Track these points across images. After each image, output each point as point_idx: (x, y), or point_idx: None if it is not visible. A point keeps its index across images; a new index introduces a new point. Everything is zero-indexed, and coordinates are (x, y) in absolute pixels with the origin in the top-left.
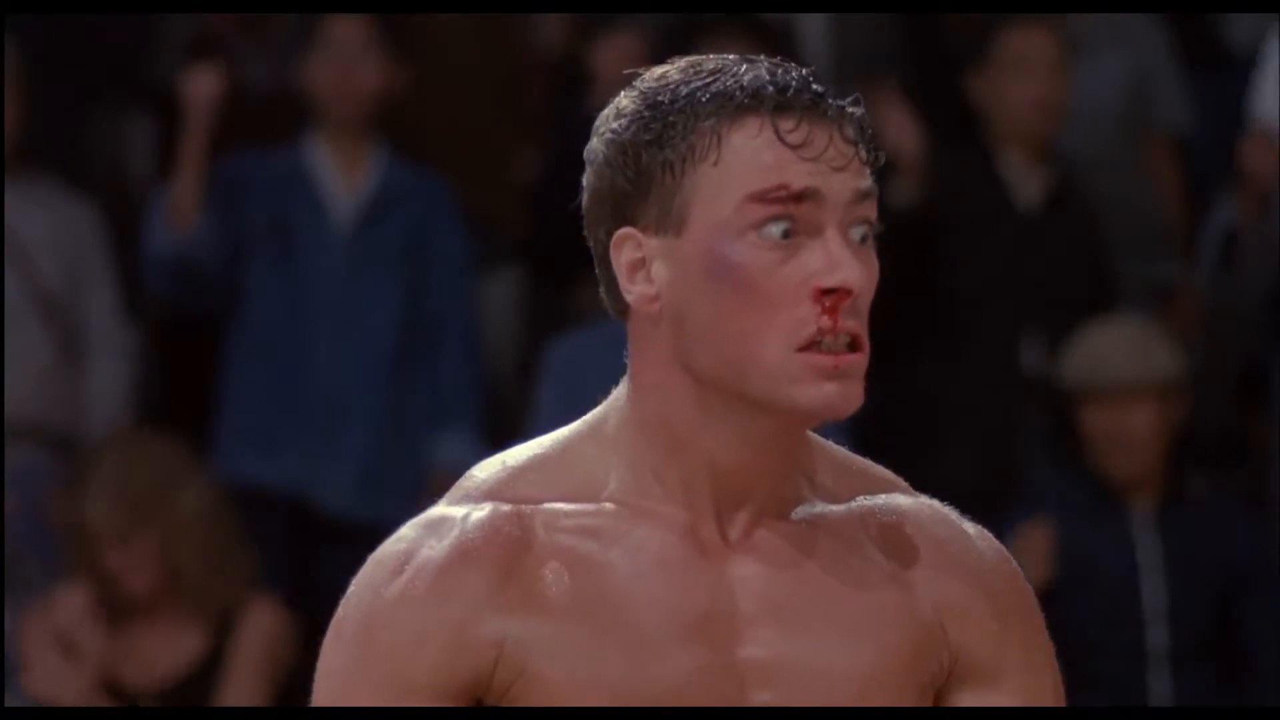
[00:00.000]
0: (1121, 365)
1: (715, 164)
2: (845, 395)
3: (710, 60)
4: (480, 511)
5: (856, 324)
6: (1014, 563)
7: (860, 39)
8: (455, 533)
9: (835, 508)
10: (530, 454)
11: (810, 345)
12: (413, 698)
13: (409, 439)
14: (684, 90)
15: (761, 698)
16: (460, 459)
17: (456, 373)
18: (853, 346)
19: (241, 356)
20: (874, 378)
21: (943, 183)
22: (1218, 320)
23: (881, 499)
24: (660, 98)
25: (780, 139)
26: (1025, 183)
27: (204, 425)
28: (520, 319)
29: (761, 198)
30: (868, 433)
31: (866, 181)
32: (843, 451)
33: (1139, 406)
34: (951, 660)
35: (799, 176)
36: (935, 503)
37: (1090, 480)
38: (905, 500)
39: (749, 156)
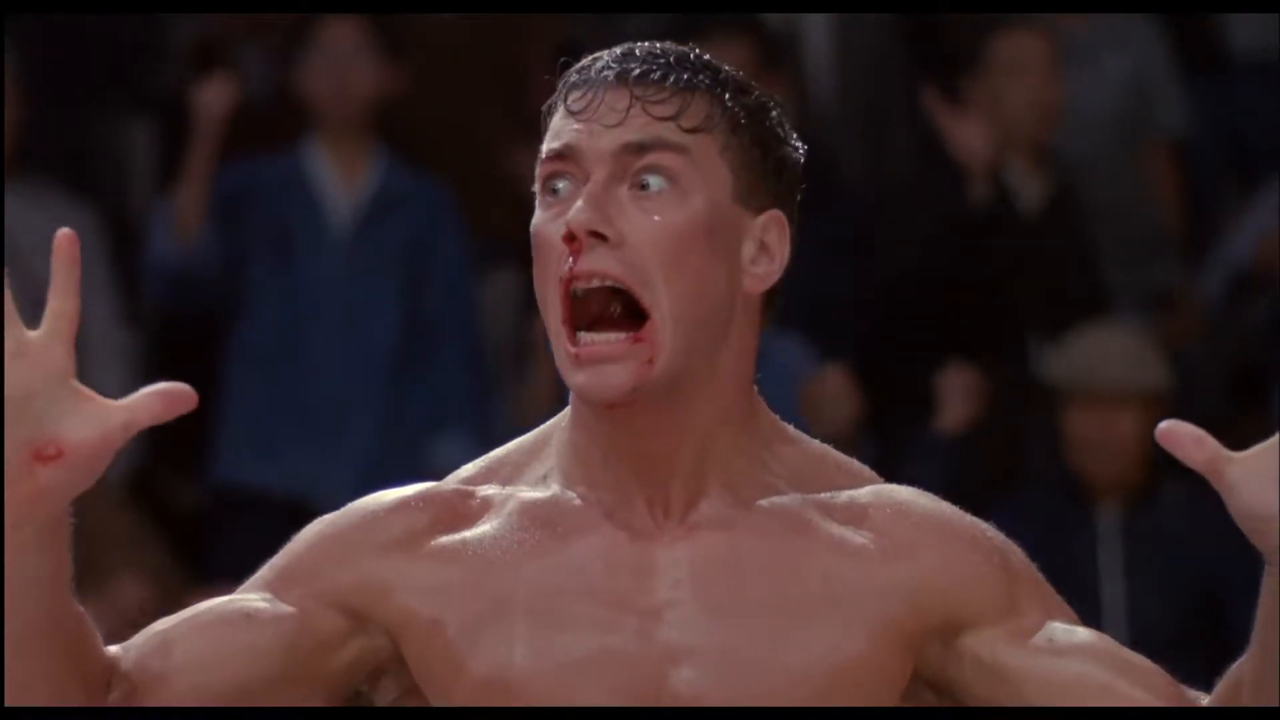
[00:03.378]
0: (1110, 370)
1: (542, 140)
2: (597, 383)
3: None
4: (431, 484)
5: (608, 268)
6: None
7: (864, 42)
8: (405, 489)
9: (799, 496)
10: (508, 449)
11: (571, 317)
12: (289, 586)
13: (409, 441)
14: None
15: (683, 675)
16: (459, 461)
17: (456, 375)
18: (627, 305)
19: (242, 359)
20: (878, 376)
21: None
22: (1217, 328)
23: (854, 489)
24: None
25: (566, 108)
26: (1025, 186)
27: (204, 428)
28: (520, 321)
29: (541, 161)
30: (870, 430)
31: (646, 133)
32: (824, 448)
33: (1124, 412)
34: (946, 621)
35: (563, 137)
36: (914, 488)
37: (1065, 479)
38: (884, 486)
39: (549, 130)
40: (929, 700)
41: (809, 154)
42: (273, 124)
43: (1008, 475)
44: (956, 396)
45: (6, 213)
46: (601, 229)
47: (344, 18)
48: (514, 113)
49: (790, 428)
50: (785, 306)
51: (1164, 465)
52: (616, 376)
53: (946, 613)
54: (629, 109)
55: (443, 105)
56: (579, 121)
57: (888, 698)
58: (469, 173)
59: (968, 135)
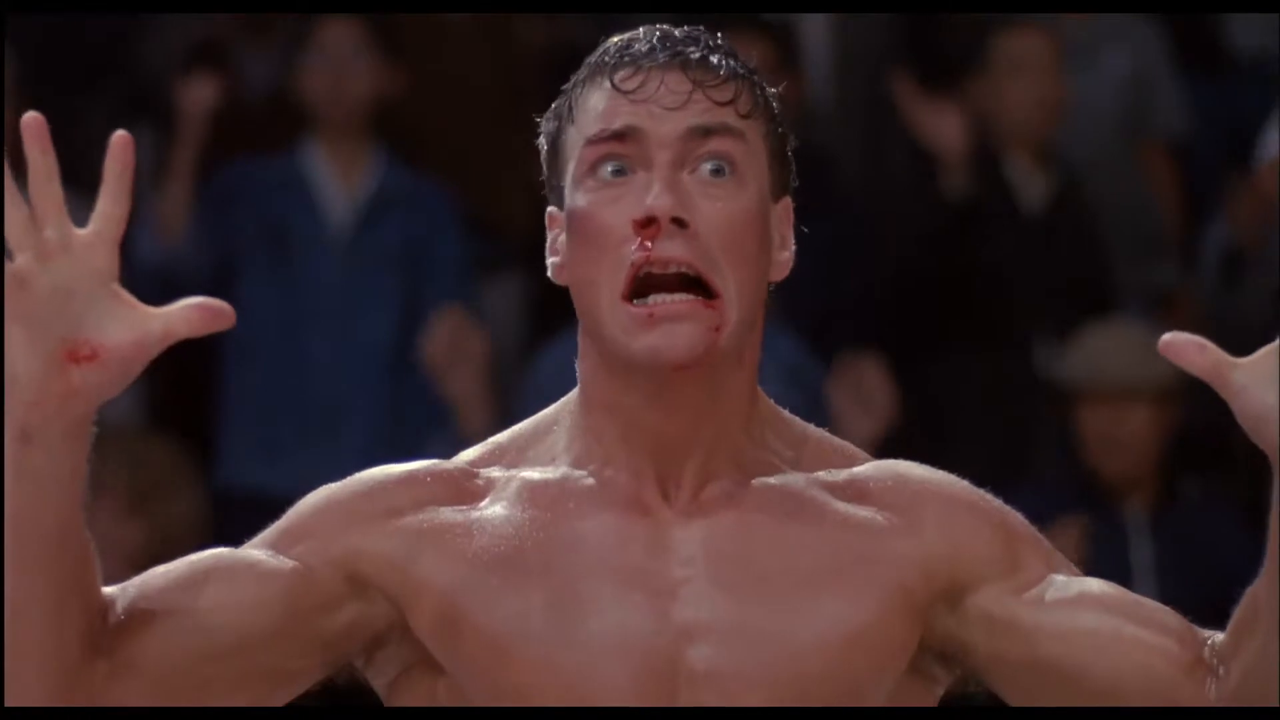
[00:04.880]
0: (1121, 367)
1: (573, 122)
2: (671, 342)
3: None
4: (436, 460)
5: (684, 255)
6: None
7: (864, 42)
8: (411, 463)
9: (801, 474)
10: (511, 433)
11: (632, 292)
12: (292, 544)
13: (408, 442)
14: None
15: (699, 652)
16: None
17: None
18: (695, 284)
19: (241, 361)
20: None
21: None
22: (1217, 326)
23: (852, 467)
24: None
25: (614, 87)
26: (1030, 184)
27: (205, 429)
28: (523, 322)
29: (591, 141)
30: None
31: (710, 118)
32: (818, 430)
33: (1136, 408)
34: (952, 583)
35: (621, 117)
36: (909, 461)
37: (1085, 479)
38: (881, 461)
39: (591, 108)
40: (937, 672)
41: (809, 154)
42: (271, 125)
43: (1020, 474)
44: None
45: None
46: (684, 215)
47: (343, 18)
48: (513, 113)
49: (784, 411)
50: (785, 307)
51: (1179, 461)
52: (688, 336)
53: (952, 576)
54: (691, 93)
55: (442, 106)
56: (634, 102)
57: (897, 665)
58: (468, 173)
59: (943, 126)
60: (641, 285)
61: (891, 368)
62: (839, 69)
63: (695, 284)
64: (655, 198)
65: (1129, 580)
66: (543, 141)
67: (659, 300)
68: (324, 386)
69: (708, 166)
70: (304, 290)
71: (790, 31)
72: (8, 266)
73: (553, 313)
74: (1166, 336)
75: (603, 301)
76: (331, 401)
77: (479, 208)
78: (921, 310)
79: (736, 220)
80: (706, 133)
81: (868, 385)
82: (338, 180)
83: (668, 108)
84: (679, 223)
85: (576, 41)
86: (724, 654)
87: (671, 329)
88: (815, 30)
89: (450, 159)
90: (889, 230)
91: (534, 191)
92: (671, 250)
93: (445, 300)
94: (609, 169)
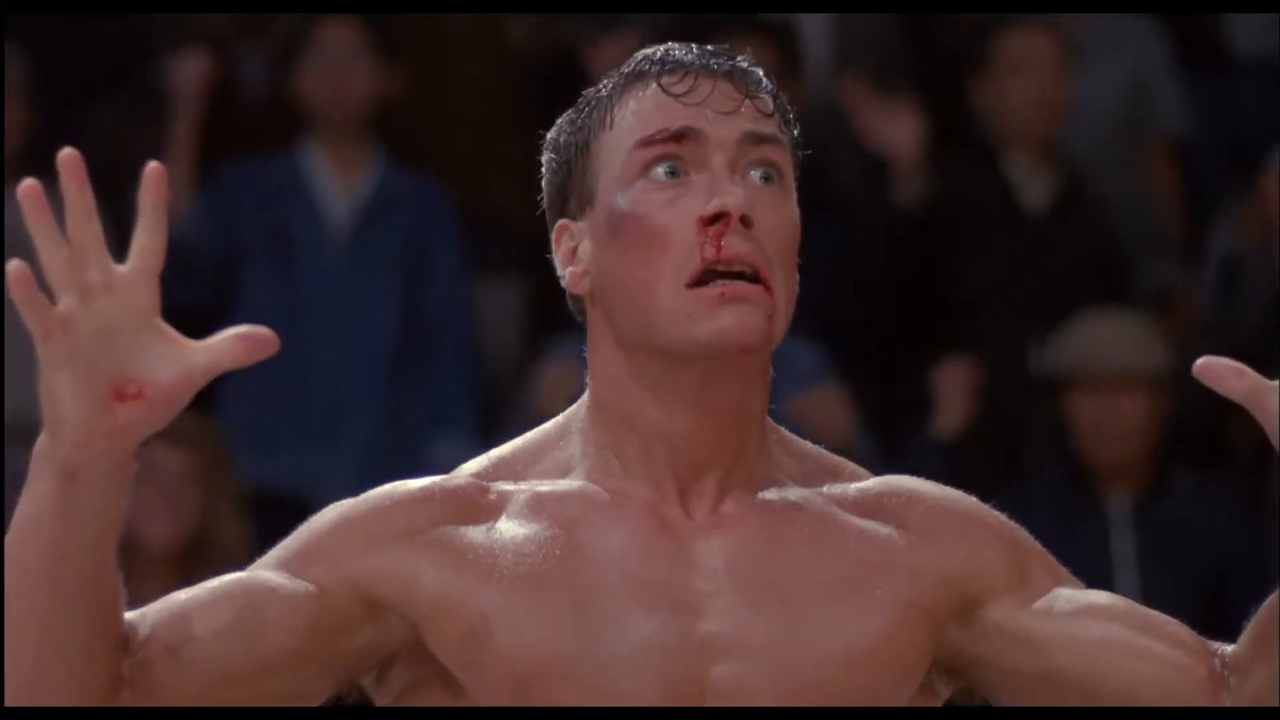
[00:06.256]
0: (1114, 355)
1: (610, 128)
2: (740, 322)
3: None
4: (446, 477)
5: (751, 253)
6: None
7: (862, 42)
8: (423, 480)
9: (808, 489)
10: (513, 446)
11: (699, 281)
12: (308, 565)
13: (408, 441)
14: (601, 82)
15: (724, 669)
16: (458, 461)
17: (454, 376)
18: (753, 279)
19: None
20: (885, 377)
21: (945, 183)
22: (1217, 327)
23: (859, 483)
24: (584, 95)
25: (664, 90)
26: (1031, 184)
27: (206, 429)
28: (522, 323)
29: (645, 143)
30: (878, 432)
31: (761, 126)
32: (815, 447)
33: (1129, 397)
34: (965, 599)
35: (678, 118)
36: (915, 477)
37: (1072, 467)
38: (887, 477)
39: (637, 112)
40: (940, 687)
41: (807, 155)
42: (270, 125)
43: (1011, 466)
44: (954, 396)
45: (8, 213)
46: (751, 214)
47: (342, 18)
48: (513, 113)
49: (783, 428)
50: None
51: (1170, 451)
52: (755, 317)
53: (965, 590)
54: (743, 101)
55: (441, 106)
56: (687, 106)
57: (914, 678)
58: (468, 173)
59: (896, 129)
60: (702, 277)
61: (888, 366)
62: (838, 69)
63: (750, 281)
64: (728, 194)
65: (1109, 570)
66: (555, 155)
67: (726, 282)
68: (324, 386)
69: (758, 173)
70: (304, 290)
71: (790, 32)
72: (48, 311)
73: (552, 314)
74: (1202, 361)
75: (661, 295)
76: (332, 401)
77: (479, 208)
78: (918, 311)
79: (785, 227)
80: (759, 140)
81: (828, 412)
82: (337, 180)
83: (722, 112)
84: (745, 221)
85: (574, 43)
86: (749, 669)
87: (741, 309)
88: (813, 31)
89: (450, 159)
90: (884, 231)
91: (534, 192)
92: (739, 248)
93: (445, 300)
94: (663, 170)
